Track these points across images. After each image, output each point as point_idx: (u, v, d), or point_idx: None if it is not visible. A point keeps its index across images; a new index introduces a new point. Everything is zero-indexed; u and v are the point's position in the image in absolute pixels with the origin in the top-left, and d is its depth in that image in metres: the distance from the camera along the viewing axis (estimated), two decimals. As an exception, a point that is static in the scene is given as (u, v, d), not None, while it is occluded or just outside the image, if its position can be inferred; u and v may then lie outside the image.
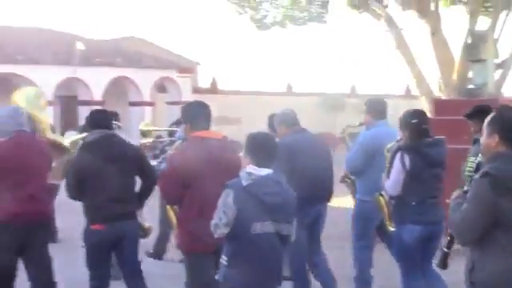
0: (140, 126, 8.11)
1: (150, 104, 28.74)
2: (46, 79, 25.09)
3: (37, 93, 8.19)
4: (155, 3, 55.93)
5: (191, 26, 52.34)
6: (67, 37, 27.87)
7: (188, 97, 29.72)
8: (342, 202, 9.05)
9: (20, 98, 7.27)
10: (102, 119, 5.87)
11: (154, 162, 7.21)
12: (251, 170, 4.28)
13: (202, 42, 58.72)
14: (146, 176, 5.82)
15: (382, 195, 6.00)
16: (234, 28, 65.14)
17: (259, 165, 4.30)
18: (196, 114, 5.24)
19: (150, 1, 55.53)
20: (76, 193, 5.64)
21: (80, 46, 26.43)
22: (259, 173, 4.28)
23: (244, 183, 4.23)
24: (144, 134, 9.34)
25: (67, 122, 24.76)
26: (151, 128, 9.48)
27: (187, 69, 30.99)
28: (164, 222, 7.78)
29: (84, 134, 6.11)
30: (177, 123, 8.61)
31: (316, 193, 6.24)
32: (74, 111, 26.77)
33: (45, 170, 5.76)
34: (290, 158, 6.01)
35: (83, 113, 26.81)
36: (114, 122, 6.73)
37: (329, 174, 6.47)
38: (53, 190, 8.17)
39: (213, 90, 31.98)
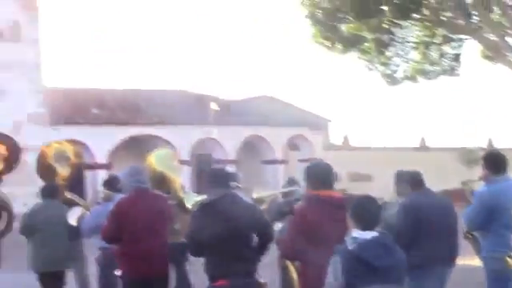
0: (253, 195, 8.17)
1: (283, 162, 28.97)
2: (182, 139, 26.02)
3: (170, 154, 8.66)
4: (285, 62, 57.01)
5: (322, 84, 52.87)
6: (202, 98, 28.83)
7: (320, 154, 29.77)
8: (471, 261, 8.65)
9: (154, 159, 7.79)
10: (219, 179, 5.96)
11: (279, 225, 7.25)
12: (356, 235, 4.28)
13: (333, 98, 59.03)
14: (262, 233, 5.85)
15: (510, 257, 5.69)
16: (365, 83, 64.90)
17: (363, 228, 4.25)
18: (316, 174, 5.31)
19: (280, 59, 56.63)
20: (196, 251, 5.77)
21: (214, 106, 27.23)
22: (364, 236, 4.23)
23: (349, 247, 4.20)
24: (259, 201, 9.27)
25: (203, 181, 25.37)
26: (264, 194, 9.47)
27: (319, 126, 31.11)
28: (285, 281, 7.72)
29: (204, 196, 6.26)
30: (290, 183, 8.61)
31: (440, 254, 6.05)
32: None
33: (163, 227, 5.94)
34: (412, 219, 5.93)
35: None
36: (233, 183, 6.83)
37: (453, 235, 6.25)
38: (183, 249, 8.37)
39: (344, 146, 31.86)
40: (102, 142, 24.00)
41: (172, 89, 29.68)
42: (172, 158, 8.15)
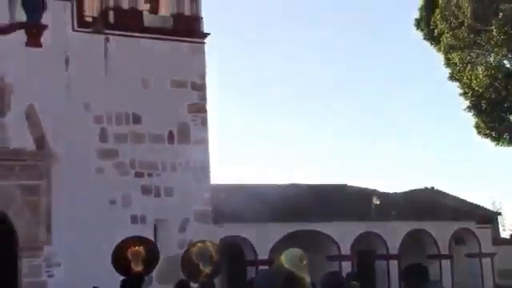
0: None
1: (448, 257, 27.86)
2: (344, 234, 25.83)
3: (300, 255, 9.39)
4: (447, 153, 55.59)
5: (489, 174, 50.87)
6: (363, 192, 28.62)
7: (488, 248, 28.40)
8: None
9: (285, 258, 8.26)
10: None
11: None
12: None
13: (503, 189, 56.41)
14: None
15: None
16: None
17: None
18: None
19: (442, 151, 55.35)
20: None
21: (376, 200, 26.93)
22: None
23: None
24: None
25: (364, 276, 24.88)
26: None
27: (487, 219, 29.78)
28: None
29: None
30: None
31: None
32: (370, 266, 26.93)
33: None
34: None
35: (380, 267, 26.92)
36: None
37: None
38: None
39: (515, 240, 30.22)
40: (263, 238, 24.33)
41: (332, 183, 29.72)
42: (302, 259, 8.89)
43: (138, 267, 11.05)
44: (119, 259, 11.30)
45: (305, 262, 8.73)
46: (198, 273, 10.76)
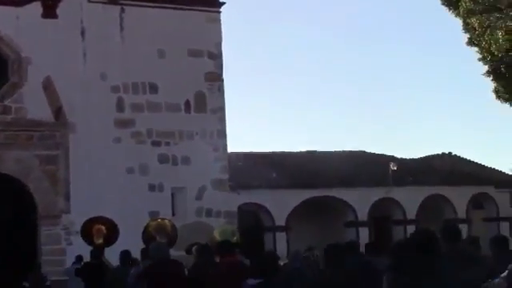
0: None
1: (466, 221, 27.95)
2: (360, 201, 26.00)
3: (233, 231, 11.28)
4: (466, 118, 54.99)
5: (508, 139, 50.35)
6: (380, 158, 28.67)
7: (507, 212, 28.45)
8: None
9: (217, 233, 10.52)
10: None
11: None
12: None
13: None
14: None
15: None
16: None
17: None
18: None
19: (460, 116, 54.79)
20: None
21: (393, 166, 26.98)
22: None
23: None
24: None
25: (381, 242, 25.11)
26: None
27: (505, 183, 29.73)
28: None
29: None
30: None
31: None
32: (388, 232, 27.13)
33: None
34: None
35: (397, 233, 27.05)
36: None
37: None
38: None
39: (533, 204, 30.12)
40: (281, 205, 24.57)
41: (349, 149, 29.78)
42: (232, 235, 10.51)
43: (98, 240, 14.02)
44: (84, 233, 14.62)
45: (235, 238, 10.02)
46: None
